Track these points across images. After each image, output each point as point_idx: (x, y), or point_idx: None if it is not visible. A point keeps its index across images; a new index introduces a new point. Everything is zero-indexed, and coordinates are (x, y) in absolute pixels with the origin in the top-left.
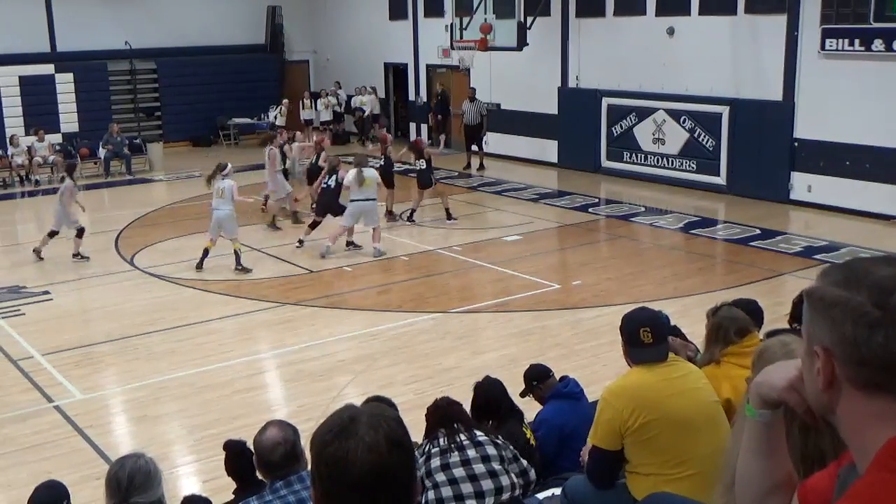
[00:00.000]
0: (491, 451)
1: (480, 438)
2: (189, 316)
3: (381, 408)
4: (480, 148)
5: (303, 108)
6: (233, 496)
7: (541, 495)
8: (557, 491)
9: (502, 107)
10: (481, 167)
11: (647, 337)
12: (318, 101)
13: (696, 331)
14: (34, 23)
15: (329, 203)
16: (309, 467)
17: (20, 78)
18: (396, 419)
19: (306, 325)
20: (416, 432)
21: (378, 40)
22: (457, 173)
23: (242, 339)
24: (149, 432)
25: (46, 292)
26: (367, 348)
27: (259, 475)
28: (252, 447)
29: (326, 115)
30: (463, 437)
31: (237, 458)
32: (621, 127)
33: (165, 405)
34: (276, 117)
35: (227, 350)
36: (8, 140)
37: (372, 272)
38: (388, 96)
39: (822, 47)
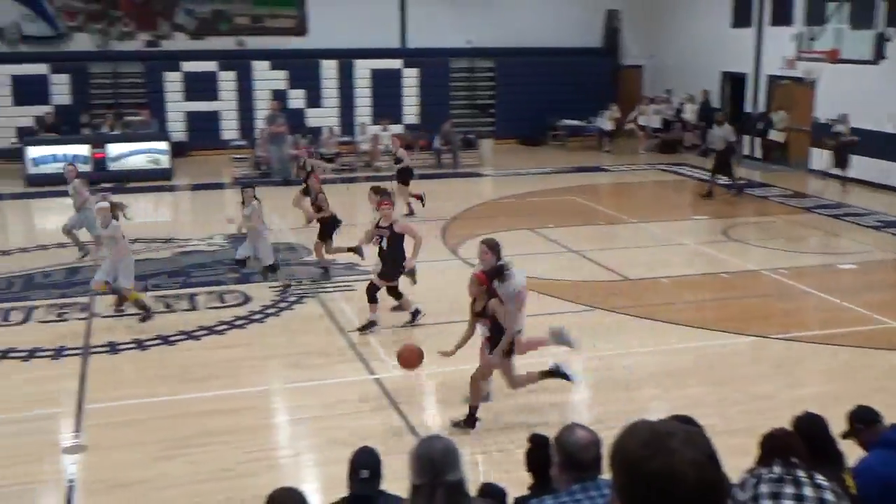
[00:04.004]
0: (829, 497)
1: (821, 482)
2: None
3: (688, 426)
4: (718, 174)
5: (641, 113)
6: (527, 491)
7: None
8: None
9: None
10: (709, 195)
11: None
12: (651, 106)
13: None
14: (387, 20)
15: None
16: (604, 477)
17: (372, 71)
18: (705, 436)
19: (612, 333)
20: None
21: (716, 48)
22: (791, 192)
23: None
24: (451, 413)
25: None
26: (676, 364)
27: (553, 473)
28: (556, 445)
29: (656, 123)
30: (801, 472)
31: (539, 451)
32: None
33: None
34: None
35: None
36: (357, 128)
37: (689, 286)
38: (723, 106)
39: None
